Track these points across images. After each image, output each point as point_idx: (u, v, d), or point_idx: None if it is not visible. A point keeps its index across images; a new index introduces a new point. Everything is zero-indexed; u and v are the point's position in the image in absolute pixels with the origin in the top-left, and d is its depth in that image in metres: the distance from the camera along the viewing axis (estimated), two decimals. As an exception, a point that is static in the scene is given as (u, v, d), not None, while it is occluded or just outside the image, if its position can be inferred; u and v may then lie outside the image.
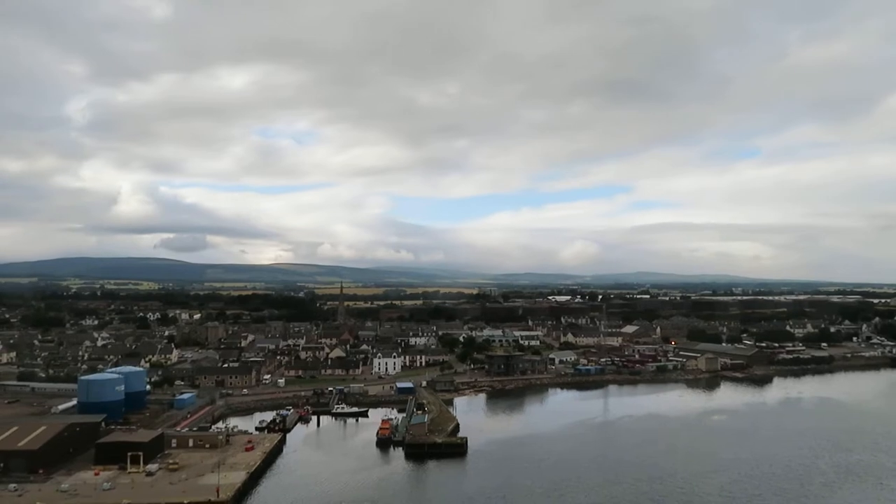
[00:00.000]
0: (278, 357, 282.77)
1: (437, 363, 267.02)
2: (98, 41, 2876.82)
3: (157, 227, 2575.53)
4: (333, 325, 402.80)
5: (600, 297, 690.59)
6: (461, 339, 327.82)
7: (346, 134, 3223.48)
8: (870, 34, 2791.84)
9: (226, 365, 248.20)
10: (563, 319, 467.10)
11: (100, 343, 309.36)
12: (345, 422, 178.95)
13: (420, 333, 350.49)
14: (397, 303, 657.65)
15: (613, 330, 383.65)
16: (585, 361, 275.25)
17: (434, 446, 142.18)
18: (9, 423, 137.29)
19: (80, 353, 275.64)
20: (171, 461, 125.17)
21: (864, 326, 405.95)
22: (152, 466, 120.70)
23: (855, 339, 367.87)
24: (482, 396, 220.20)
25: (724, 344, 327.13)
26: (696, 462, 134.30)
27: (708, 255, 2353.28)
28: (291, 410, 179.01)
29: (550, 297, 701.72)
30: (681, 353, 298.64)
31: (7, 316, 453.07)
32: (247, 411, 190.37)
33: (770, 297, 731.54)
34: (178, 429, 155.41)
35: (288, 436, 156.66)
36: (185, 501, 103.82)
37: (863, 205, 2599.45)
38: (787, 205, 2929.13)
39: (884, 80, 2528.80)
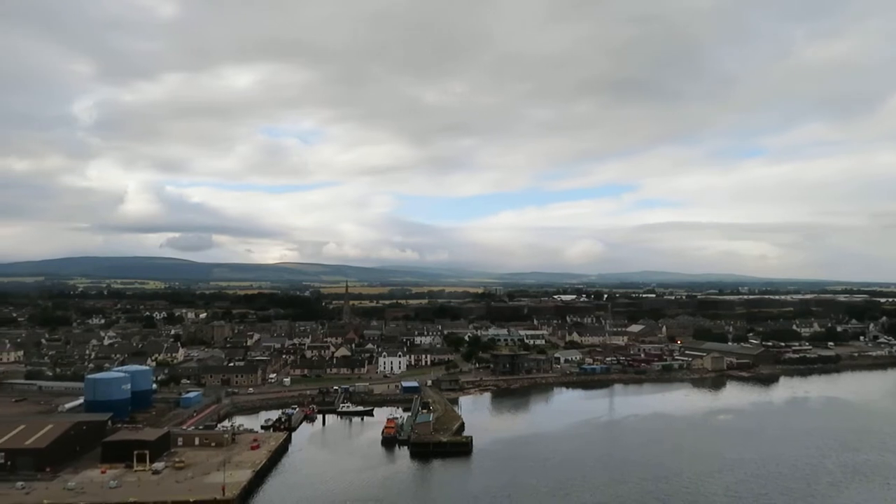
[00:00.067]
0: (284, 356, 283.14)
1: (442, 362, 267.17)
2: (104, 41, 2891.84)
3: (163, 227, 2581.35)
4: (339, 325, 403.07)
5: (606, 296, 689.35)
6: (466, 338, 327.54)
7: (352, 133, 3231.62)
8: (872, 33, 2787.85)
9: (231, 364, 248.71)
10: (568, 318, 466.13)
11: (106, 342, 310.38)
12: (350, 421, 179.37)
13: (425, 332, 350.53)
14: (402, 302, 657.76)
15: (619, 329, 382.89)
16: (591, 360, 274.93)
17: (439, 445, 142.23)
18: (16, 421, 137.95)
19: (87, 351, 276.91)
20: (177, 459, 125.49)
21: (871, 325, 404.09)
22: (158, 465, 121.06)
23: (862, 338, 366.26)
24: (487, 395, 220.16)
25: (729, 343, 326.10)
26: (701, 461, 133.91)
27: (713, 254, 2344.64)
28: (297, 409, 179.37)
29: (556, 297, 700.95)
30: (686, 352, 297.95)
31: (14, 315, 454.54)
32: (252, 410, 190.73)
33: (776, 297, 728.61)
34: (184, 427, 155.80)
35: (293, 434, 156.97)
36: (191, 500, 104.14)
37: (868, 203, 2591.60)
38: (792, 204, 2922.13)
39: (888, 79, 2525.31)
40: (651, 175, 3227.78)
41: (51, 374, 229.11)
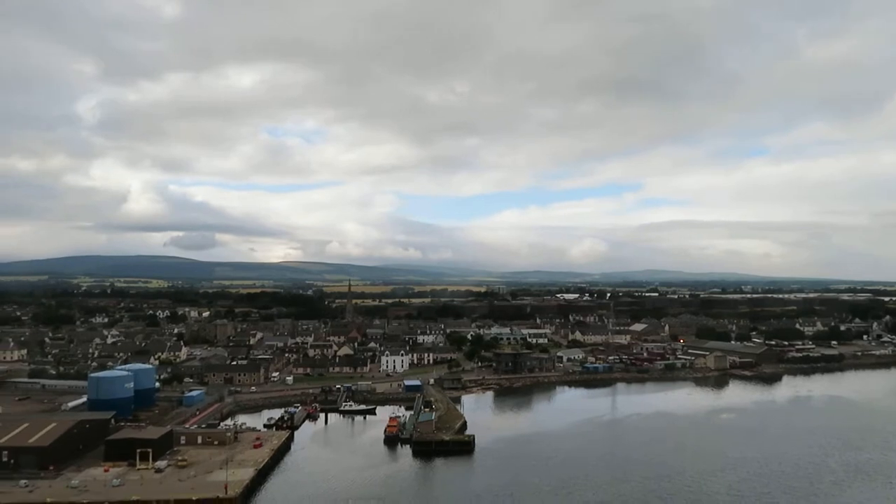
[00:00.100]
0: (286, 355, 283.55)
1: (444, 361, 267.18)
2: (108, 40, 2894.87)
3: (167, 226, 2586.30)
4: (342, 323, 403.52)
5: (608, 295, 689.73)
6: (469, 336, 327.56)
7: (355, 132, 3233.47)
8: (874, 33, 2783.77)
9: (234, 362, 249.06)
10: (571, 317, 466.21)
11: (110, 340, 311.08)
12: (352, 419, 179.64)
13: (428, 331, 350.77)
14: (405, 301, 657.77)
15: (621, 328, 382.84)
16: (593, 359, 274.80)
17: (441, 444, 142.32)
18: (20, 419, 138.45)
19: (91, 350, 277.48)
20: (179, 458, 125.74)
21: (875, 324, 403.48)
22: (161, 463, 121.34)
23: (865, 337, 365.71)
24: (490, 394, 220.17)
25: (732, 342, 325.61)
26: (704, 460, 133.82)
27: (717, 253, 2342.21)
28: (299, 408, 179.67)
29: (558, 295, 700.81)
30: (689, 351, 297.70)
31: (18, 313, 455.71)
32: (255, 409, 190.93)
33: (779, 295, 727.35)
34: (187, 426, 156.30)
35: (296, 433, 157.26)
36: (194, 498, 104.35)
37: (872, 202, 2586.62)
38: (796, 203, 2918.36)
39: (891, 78, 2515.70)
40: (654, 174, 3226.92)
41: (54, 372, 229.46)
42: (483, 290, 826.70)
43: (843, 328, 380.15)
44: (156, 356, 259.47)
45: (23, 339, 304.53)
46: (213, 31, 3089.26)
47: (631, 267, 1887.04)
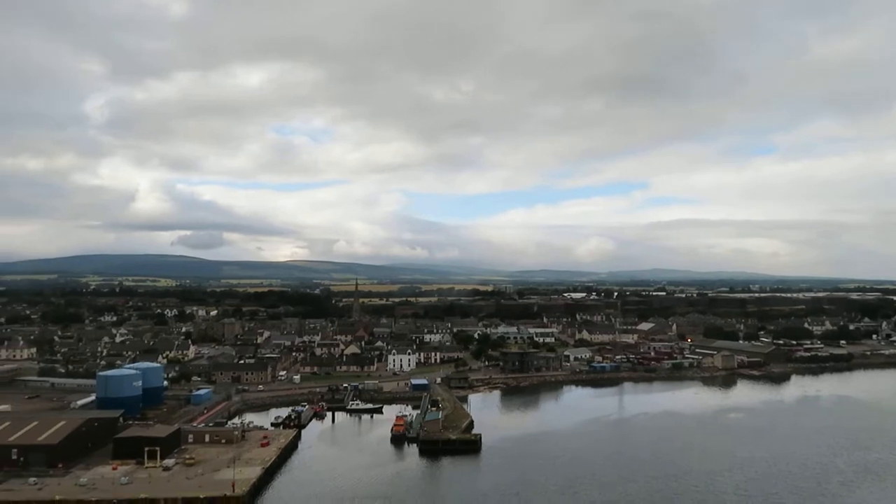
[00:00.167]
0: (294, 353, 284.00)
1: (451, 360, 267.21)
2: (115, 40, 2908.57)
3: (175, 225, 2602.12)
4: (348, 322, 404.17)
5: (616, 294, 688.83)
6: (476, 335, 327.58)
7: (362, 131, 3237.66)
8: (883, 30, 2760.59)
9: (242, 361, 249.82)
10: (578, 316, 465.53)
11: (118, 339, 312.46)
12: (359, 418, 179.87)
13: (435, 330, 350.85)
14: (412, 300, 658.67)
15: (629, 327, 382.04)
16: (600, 358, 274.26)
17: (448, 443, 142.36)
18: (29, 417, 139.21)
19: (99, 349, 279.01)
20: (187, 456, 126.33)
21: (884, 324, 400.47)
22: (169, 461, 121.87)
23: (874, 336, 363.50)
24: (496, 393, 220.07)
25: (740, 341, 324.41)
26: (711, 460, 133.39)
27: (725, 251, 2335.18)
28: (306, 406, 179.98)
29: (566, 294, 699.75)
30: (697, 350, 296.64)
31: (27, 312, 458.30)
32: (262, 407, 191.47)
33: (788, 295, 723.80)
34: (195, 424, 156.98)
35: (303, 432, 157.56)
36: (202, 496, 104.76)
37: (881, 201, 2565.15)
38: (804, 201, 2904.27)
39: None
40: (662, 172, 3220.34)
41: (63, 371, 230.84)
42: (490, 289, 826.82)
43: (852, 327, 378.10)
44: (164, 355, 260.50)
45: (32, 337, 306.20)
46: (220, 29, 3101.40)
47: (638, 266, 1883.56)
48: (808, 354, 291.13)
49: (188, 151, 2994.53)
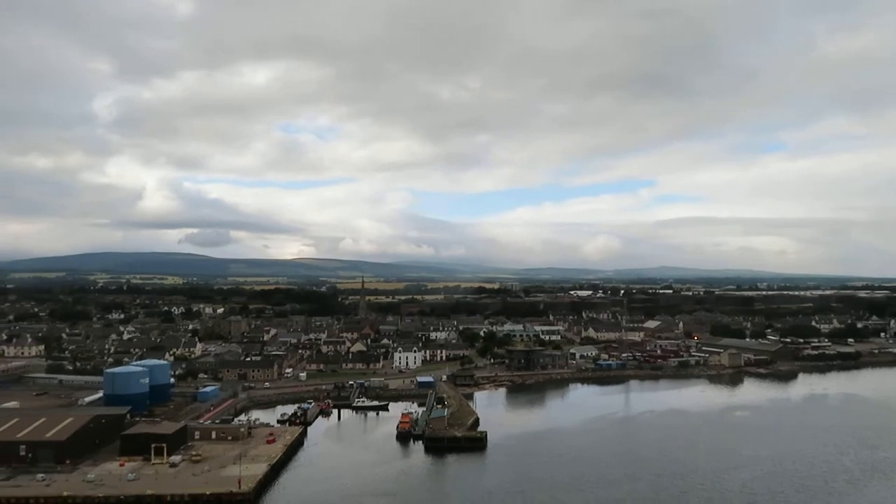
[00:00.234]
0: (300, 351, 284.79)
1: (457, 358, 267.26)
2: (123, 39, 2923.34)
3: (182, 223, 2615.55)
4: (355, 320, 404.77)
5: (622, 291, 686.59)
6: (482, 333, 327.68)
7: (368, 129, 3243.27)
8: (891, 27, 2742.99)
9: (248, 358, 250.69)
10: (584, 314, 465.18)
11: (125, 336, 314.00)
12: (365, 415, 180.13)
13: (441, 328, 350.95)
14: (418, 297, 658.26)
15: (635, 325, 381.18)
16: (606, 356, 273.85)
17: (454, 440, 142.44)
18: (37, 414, 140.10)
19: (107, 346, 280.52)
20: (194, 453, 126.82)
21: (892, 322, 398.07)
22: (176, 458, 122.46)
23: (883, 334, 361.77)
24: (502, 391, 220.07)
25: (747, 339, 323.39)
26: (717, 458, 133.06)
27: (732, 249, 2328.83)
28: (312, 404, 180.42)
29: (572, 292, 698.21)
30: (703, 348, 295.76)
31: (36, 310, 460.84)
32: (268, 404, 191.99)
33: (795, 292, 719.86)
34: (202, 421, 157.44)
35: (309, 429, 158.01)
36: (208, 492, 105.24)
37: (890, 198, 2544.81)
38: (813, 199, 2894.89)
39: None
40: (669, 170, 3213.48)
41: (71, 368, 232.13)
42: (496, 286, 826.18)
43: (859, 325, 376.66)
44: (171, 352, 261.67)
45: (40, 335, 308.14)
46: (226, 28, 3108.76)
47: (645, 264, 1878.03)
48: (815, 352, 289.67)
49: (195, 150, 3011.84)
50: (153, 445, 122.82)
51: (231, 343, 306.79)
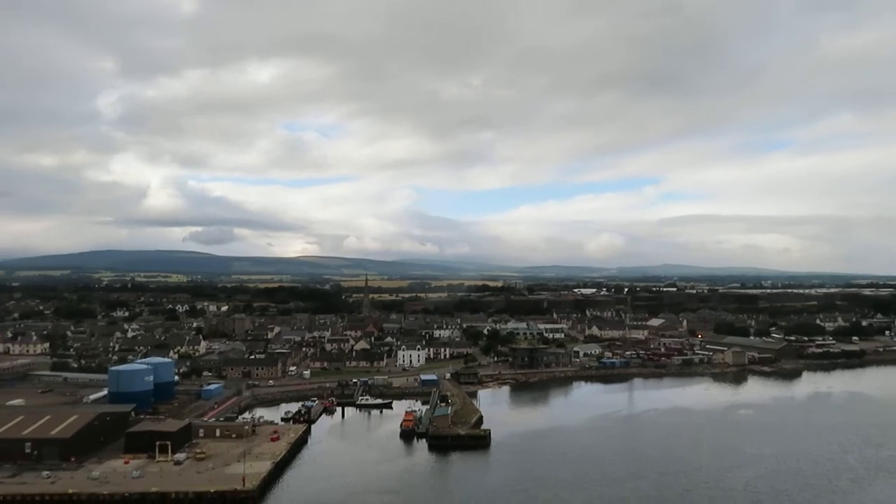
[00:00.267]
0: (304, 349, 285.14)
1: (461, 356, 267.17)
2: (127, 37, 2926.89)
3: (186, 221, 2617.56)
4: (358, 318, 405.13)
5: (626, 289, 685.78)
6: (485, 331, 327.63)
7: (372, 127, 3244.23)
8: (892, 25, 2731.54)
9: (252, 356, 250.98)
10: (587, 312, 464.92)
11: (130, 334, 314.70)
12: (369, 413, 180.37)
13: (444, 326, 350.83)
14: (422, 295, 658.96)
15: (639, 323, 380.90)
16: (610, 354, 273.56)
17: (457, 438, 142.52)
18: (42, 412, 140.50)
19: (111, 344, 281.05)
20: (198, 450, 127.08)
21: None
22: (180, 455, 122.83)
23: (888, 332, 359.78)
24: (506, 389, 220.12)
25: (751, 337, 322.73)
26: (721, 456, 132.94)
27: (736, 247, 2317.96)
28: (316, 402, 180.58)
29: (575, 290, 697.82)
30: (707, 346, 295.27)
31: (41, 308, 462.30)
32: (272, 402, 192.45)
33: (800, 290, 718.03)
34: (206, 419, 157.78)
35: (313, 427, 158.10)
36: (212, 490, 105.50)
37: (895, 196, 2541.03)
38: (818, 196, 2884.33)
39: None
40: (673, 168, 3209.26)
41: (76, 365, 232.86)
42: (500, 284, 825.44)
43: (864, 323, 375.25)
44: (175, 350, 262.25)
45: (45, 332, 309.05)
46: (230, 27, 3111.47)
47: (649, 262, 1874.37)
48: (819, 351, 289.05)
49: (199, 148, 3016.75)
50: (157, 443, 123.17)
51: (235, 341, 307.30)
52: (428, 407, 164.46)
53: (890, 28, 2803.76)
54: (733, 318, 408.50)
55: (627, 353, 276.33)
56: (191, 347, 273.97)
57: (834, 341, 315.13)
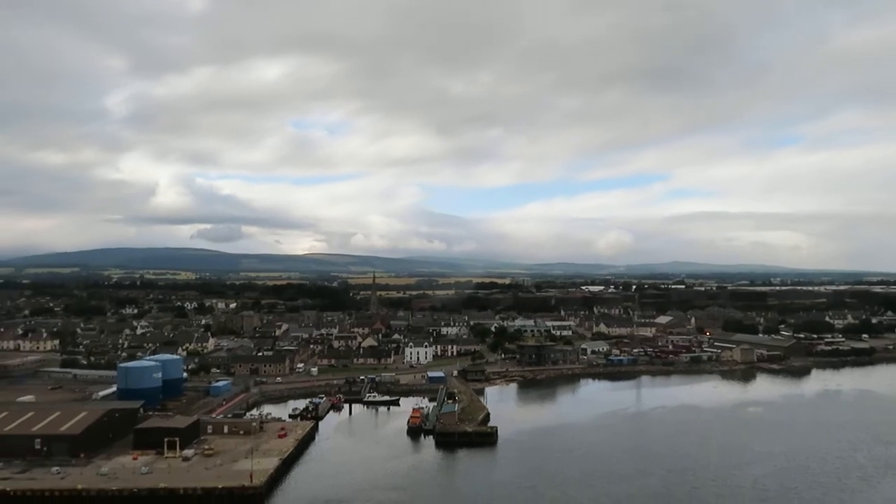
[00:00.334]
0: (311, 346, 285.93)
1: (468, 353, 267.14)
2: (136, 35, 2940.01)
3: (194, 218, 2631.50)
4: (366, 315, 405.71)
5: (634, 287, 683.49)
6: (493, 328, 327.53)
7: (379, 124, 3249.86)
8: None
9: (260, 353, 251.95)
10: (595, 309, 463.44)
11: (139, 331, 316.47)
12: (376, 410, 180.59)
13: (452, 323, 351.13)
14: (429, 292, 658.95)
15: (647, 320, 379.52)
16: (618, 352, 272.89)
17: (464, 435, 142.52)
18: (52, 408, 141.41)
19: (120, 341, 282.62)
20: (206, 447, 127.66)
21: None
22: (188, 452, 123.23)
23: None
24: (513, 386, 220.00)
25: (760, 335, 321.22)
26: (729, 454, 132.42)
27: (745, 244, 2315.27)
28: (324, 398, 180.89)
29: (583, 287, 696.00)
30: (716, 343, 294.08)
31: (51, 305, 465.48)
32: (280, 399, 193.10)
33: (809, 288, 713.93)
34: (214, 415, 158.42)
35: (320, 423, 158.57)
36: (220, 486, 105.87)
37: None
38: (828, 193, 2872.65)
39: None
40: (682, 165, 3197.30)
41: (85, 362, 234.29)
42: (507, 281, 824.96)
43: (874, 321, 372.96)
44: (183, 347, 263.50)
45: (55, 329, 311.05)
46: (238, 24, 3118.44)
47: (657, 259, 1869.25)
48: (829, 348, 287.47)
49: (207, 145, 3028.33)
50: (166, 439, 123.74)
51: (243, 338, 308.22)
52: (435, 404, 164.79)
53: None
54: (742, 315, 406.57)
55: (635, 350, 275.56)
56: (199, 344, 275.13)
57: (843, 339, 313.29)
